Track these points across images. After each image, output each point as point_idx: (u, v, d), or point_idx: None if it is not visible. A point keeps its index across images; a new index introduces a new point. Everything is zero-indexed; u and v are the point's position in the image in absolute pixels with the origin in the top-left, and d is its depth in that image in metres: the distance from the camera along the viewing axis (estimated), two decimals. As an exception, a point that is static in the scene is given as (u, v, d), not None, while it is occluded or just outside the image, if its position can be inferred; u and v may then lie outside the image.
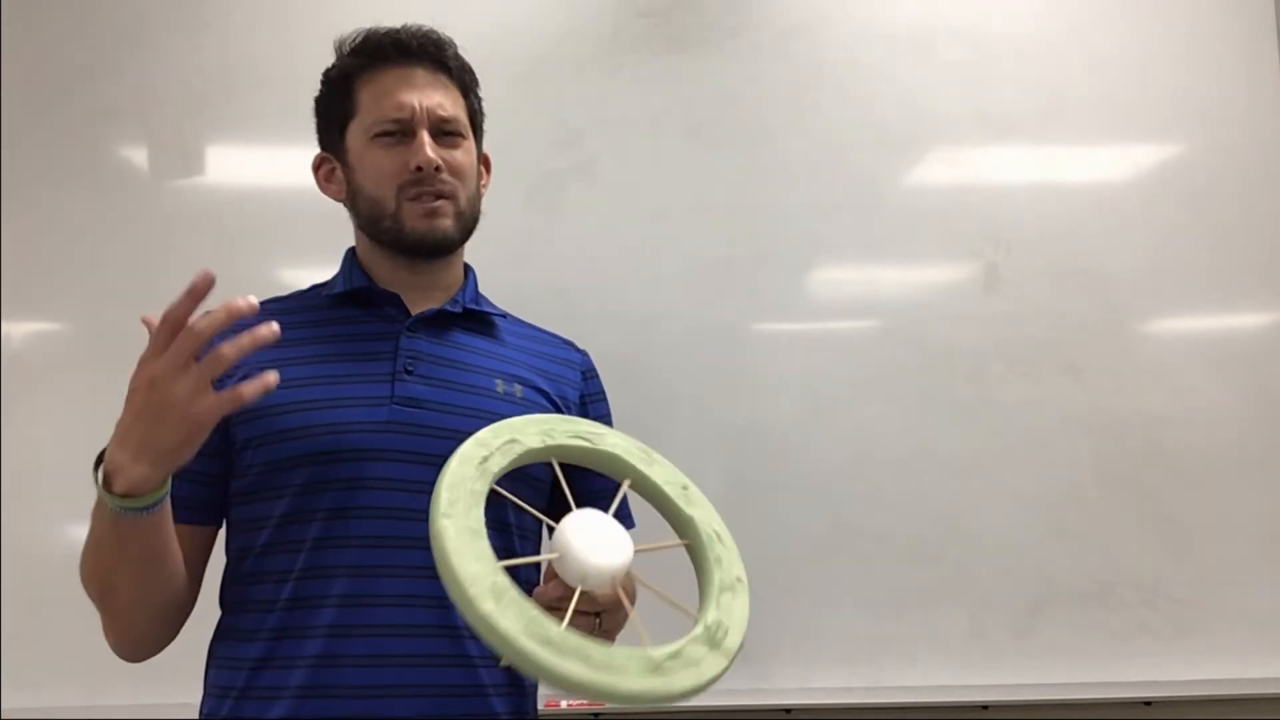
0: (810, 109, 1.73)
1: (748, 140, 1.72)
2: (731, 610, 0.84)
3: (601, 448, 0.91)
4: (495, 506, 0.86)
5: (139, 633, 0.99)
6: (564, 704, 1.53)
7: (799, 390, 1.66)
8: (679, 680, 0.77)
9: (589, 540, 0.80)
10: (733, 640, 0.82)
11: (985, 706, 1.58)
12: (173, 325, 0.80)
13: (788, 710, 1.58)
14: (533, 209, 1.70)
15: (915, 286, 1.70)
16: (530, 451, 0.87)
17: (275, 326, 0.81)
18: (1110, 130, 1.74)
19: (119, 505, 0.83)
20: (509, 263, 1.68)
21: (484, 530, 0.76)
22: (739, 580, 0.86)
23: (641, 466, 0.91)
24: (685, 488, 0.92)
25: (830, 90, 1.74)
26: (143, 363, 0.81)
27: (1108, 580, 1.62)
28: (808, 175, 1.71)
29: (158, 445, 0.81)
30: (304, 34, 1.74)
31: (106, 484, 0.84)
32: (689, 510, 0.90)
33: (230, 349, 0.80)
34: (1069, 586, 1.62)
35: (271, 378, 0.81)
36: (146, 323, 0.82)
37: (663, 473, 0.92)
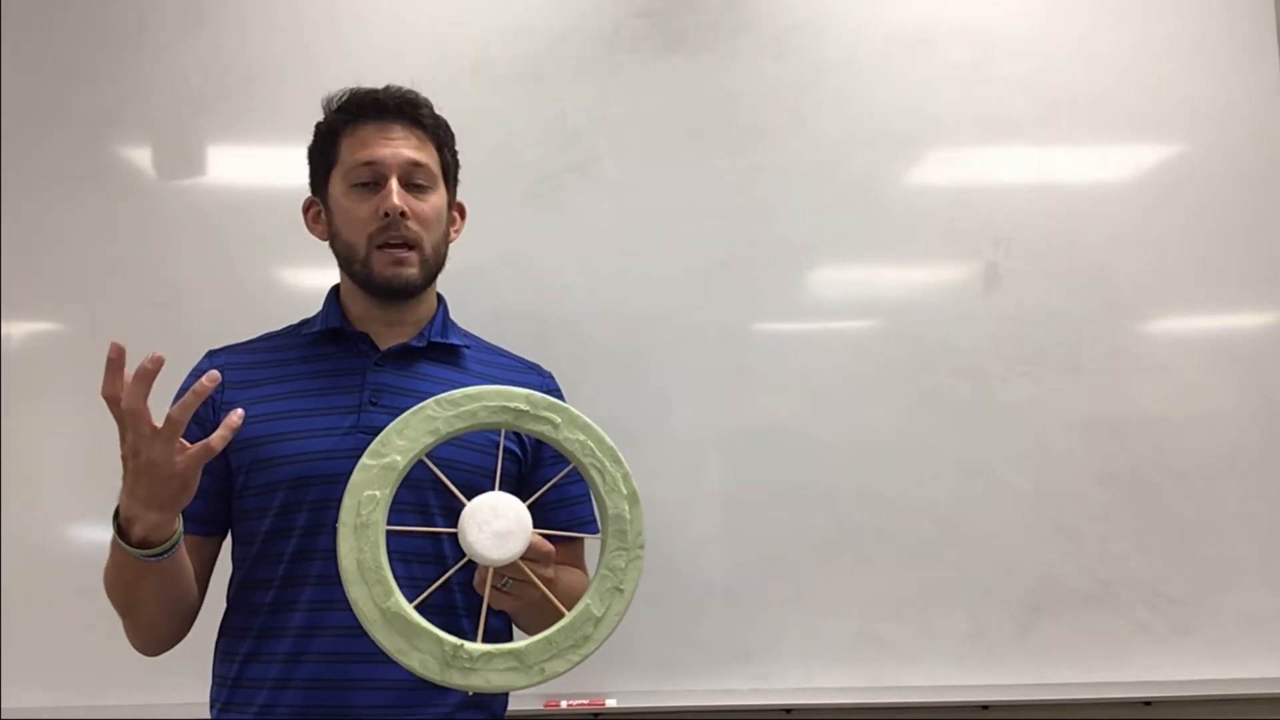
0: (810, 109, 1.73)
1: (748, 140, 1.72)
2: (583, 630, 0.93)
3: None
4: (417, 489, 1.09)
5: (159, 636, 1.15)
6: (564, 704, 1.53)
7: (799, 390, 1.66)
8: (459, 677, 0.89)
9: (478, 523, 0.90)
10: (553, 666, 0.91)
11: (985, 706, 1.59)
12: (124, 408, 0.92)
13: (788, 710, 1.58)
14: (533, 209, 1.70)
15: (915, 286, 1.70)
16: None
17: (215, 374, 0.95)
18: (1110, 130, 1.74)
19: (139, 554, 0.99)
20: (509, 262, 1.69)
21: (383, 520, 0.91)
22: (618, 590, 0.94)
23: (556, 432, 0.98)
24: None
25: (830, 90, 1.74)
26: (121, 435, 0.94)
27: (1108, 580, 1.62)
28: (808, 175, 1.71)
29: (160, 497, 0.96)
30: (303, 34, 1.75)
31: (123, 533, 0.99)
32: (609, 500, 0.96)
33: (178, 411, 0.93)
34: (1069, 586, 1.62)
35: (235, 419, 0.95)
36: (106, 398, 0.93)
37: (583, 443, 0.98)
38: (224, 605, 1.19)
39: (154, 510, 0.96)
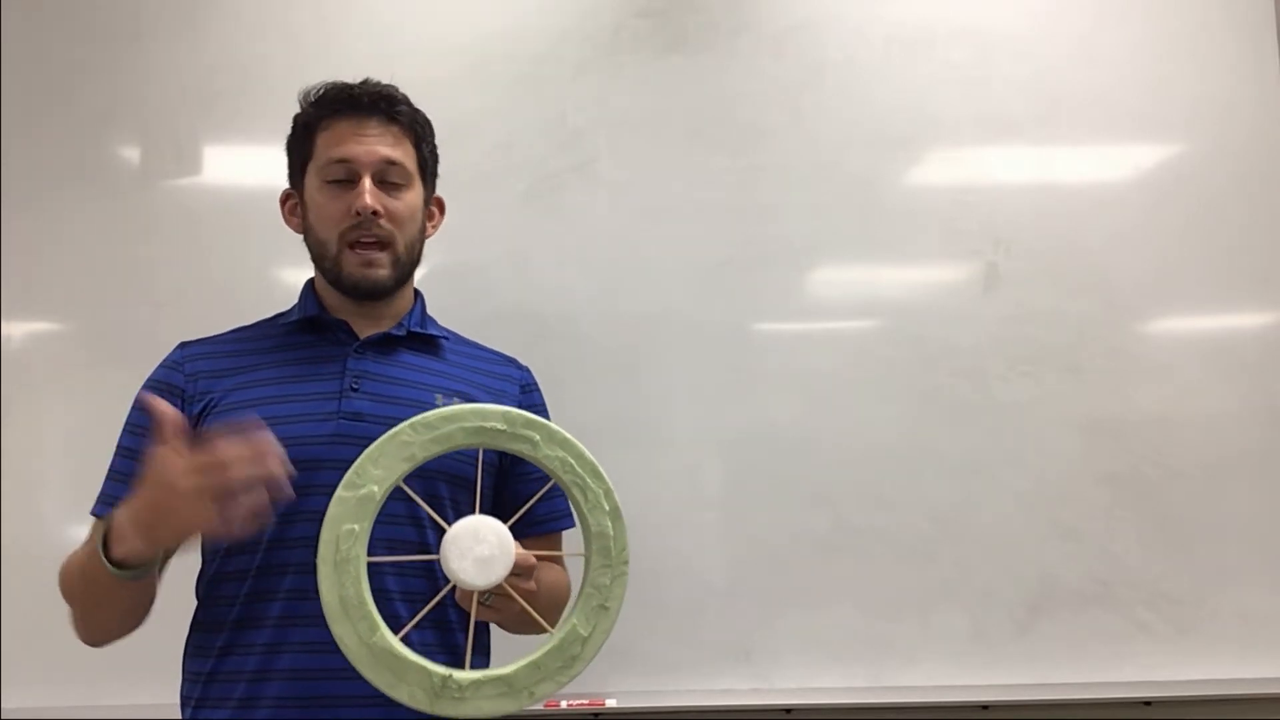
0: (810, 109, 1.73)
1: (748, 140, 1.72)
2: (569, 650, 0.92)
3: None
4: (409, 506, 1.05)
5: (109, 635, 1.14)
6: (564, 704, 1.53)
7: (799, 390, 1.66)
8: (450, 708, 0.88)
9: (460, 551, 0.88)
10: (542, 689, 0.91)
11: (985, 706, 1.59)
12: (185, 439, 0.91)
13: (788, 710, 1.58)
14: (533, 209, 1.70)
15: (915, 286, 1.70)
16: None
17: (291, 472, 0.92)
18: (1110, 130, 1.74)
19: (117, 573, 0.98)
20: (509, 262, 1.69)
21: (363, 554, 0.89)
22: (603, 608, 0.93)
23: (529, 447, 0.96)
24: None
25: (830, 90, 1.74)
26: (163, 461, 0.91)
27: (1108, 580, 1.62)
28: (808, 175, 1.71)
29: (159, 534, 0.95)
30: (302, 34, 1.75)
31: (105, 545, 0.97)
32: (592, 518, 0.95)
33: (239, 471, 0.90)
34: (1069, 586, 1.62)
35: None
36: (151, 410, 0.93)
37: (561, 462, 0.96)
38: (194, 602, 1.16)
39: (142, 540, 0.95)
